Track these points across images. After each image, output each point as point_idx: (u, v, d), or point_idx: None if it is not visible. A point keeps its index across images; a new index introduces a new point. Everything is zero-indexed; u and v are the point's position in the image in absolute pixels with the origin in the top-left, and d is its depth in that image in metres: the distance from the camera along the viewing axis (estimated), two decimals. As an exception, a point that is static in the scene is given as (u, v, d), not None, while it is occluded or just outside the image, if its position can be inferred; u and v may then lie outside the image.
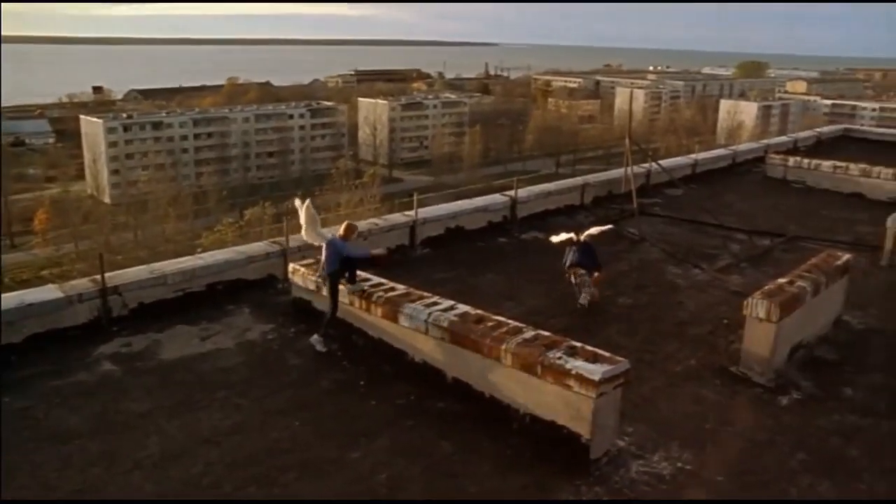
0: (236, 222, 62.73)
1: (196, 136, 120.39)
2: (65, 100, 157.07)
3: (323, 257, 9.70)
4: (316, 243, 10.02)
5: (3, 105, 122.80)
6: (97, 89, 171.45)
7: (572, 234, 11.66)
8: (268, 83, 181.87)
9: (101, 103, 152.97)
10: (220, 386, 8.79)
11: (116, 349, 9.63)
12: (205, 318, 10.64)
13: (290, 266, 10.81)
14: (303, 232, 10.13)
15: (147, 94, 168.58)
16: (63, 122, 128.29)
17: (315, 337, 9.69)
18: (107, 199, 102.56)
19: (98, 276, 10.25)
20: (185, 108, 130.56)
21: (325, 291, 9.80)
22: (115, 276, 10.52)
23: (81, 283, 10.37)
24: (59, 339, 9.66)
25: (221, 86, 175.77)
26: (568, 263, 11.49)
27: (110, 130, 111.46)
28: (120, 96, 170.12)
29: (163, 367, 9.25)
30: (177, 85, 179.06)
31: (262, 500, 6.87)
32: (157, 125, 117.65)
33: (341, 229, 9.90)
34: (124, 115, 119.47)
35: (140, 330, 10.12)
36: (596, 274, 11.54)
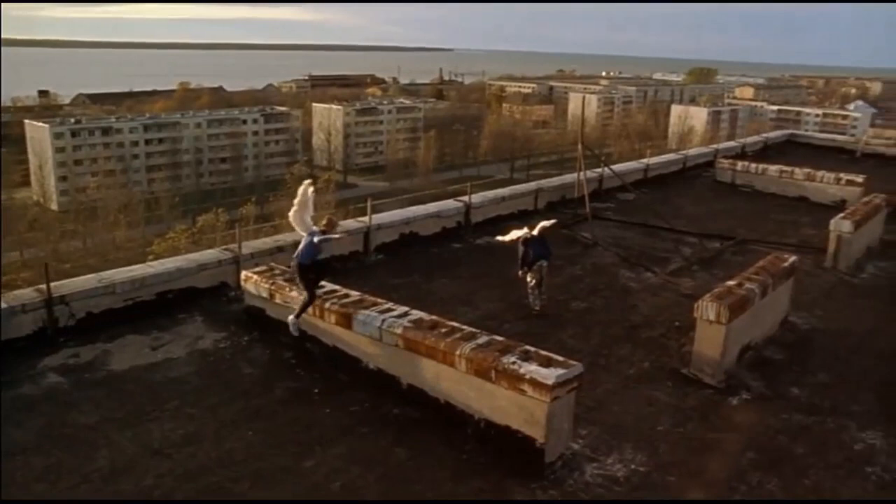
0: (189, 229, 61.85)
1: (147, 142, 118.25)
2: (8, 104, 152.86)
3: (301, 247, 9.62)
4: (298, 230, 9.88)
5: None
6: (43, 93, 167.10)
7: (524, 230, 11.49)
8: (220, 88, 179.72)
9: (47, 108, 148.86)
10: (171, 396, 8.63)
11: (63, 361, 9.39)
12: (156, 327, 10.44)
13: (243, 273, 10.67)
14: (291, 213, 10.00)
15: (96, 98, 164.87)
16: (7, 126, 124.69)
17: (291, 318, 9.54)
18: (54, 206, 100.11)
19: (43, 286, 9.97)
20: (135, 113, 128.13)
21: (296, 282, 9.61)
22: (61, 286, 10.25)
23: (25, 294, 10.07)
24: (1, 351, 9.37)
25: (173, 90, 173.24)
26: (531, 259, 11.28)
27: (57, 136, 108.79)
28: (67, 101, 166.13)
29: (112, 378, 9.04)
30: (127, 89, 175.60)
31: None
32: (106, 130, 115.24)
33: (324, 222, 9.85)
34: (72, 120, 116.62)
35: (88, 340, 9.88)
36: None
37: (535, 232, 11.46)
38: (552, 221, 12.08)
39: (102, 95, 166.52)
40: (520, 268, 11.42)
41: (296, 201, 9.95)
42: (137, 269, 11.15)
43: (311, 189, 9.93)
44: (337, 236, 10.18)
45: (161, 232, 65.90)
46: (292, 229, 10.16)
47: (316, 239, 9.50)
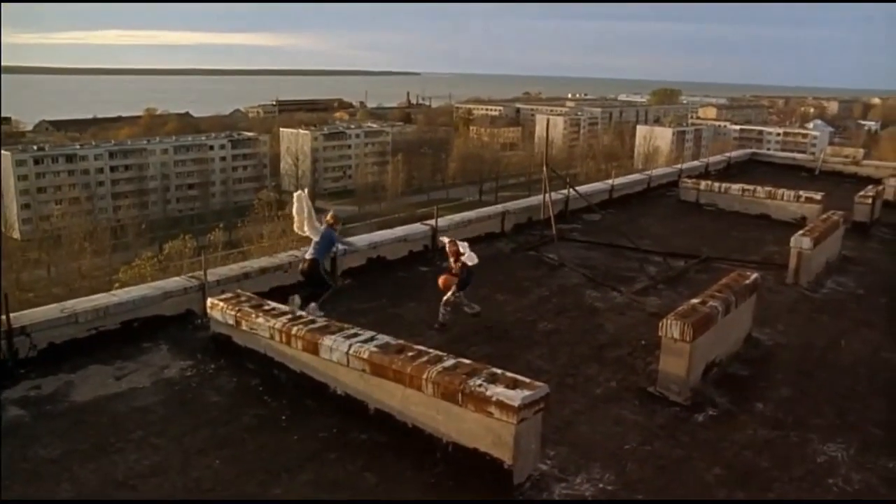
0: (156, 256, 61.22)
1: (113, 169, 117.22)
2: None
3: (313, 245, 10.81)
4: (314, 237, 10.90)
5: None
6: (5, 120, 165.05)
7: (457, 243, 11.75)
8: (187, 114, 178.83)
9: (9, 135, 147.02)
10: (136, 426, 8.50)
11: (24, 393, 9.21)
12: (120, 356, 10.28)
13: (209, 301, 10.59)
14: (301, 225, 11.06)
15: (59, 125, 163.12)
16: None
17: (312, 305, 9.69)
18: (16, 235, 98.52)
19: (2, 317, 9.80)
20: (100, 140, 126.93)
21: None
22: (21, 316, 10.07)
23: (-16, 325, 9.89)
24: (-40, 384, 9.18)
25: (139, 116, 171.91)
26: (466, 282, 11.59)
27: (20, 163, 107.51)
28: (30, 127, 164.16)
29: (75, 410, 8.88)
30: (91, 116, 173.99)
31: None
32: (70, 157, 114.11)
33: (328, 217, 11.26)
34: (35, 148, 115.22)
35: (50, 372, 9.70)
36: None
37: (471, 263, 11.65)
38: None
39: (66, 122, 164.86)
40: (459, 289, 11.57)
41: (295, 214, 11.08)
42: (101, 298, 11.00)
43: (304, 196, 11.05)
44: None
45: (128, 260, 65.17)
46: (261, 255, 10.32)
47: (337, 242, 11.13)
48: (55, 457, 7.82)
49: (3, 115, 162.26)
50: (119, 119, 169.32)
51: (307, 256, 11.09)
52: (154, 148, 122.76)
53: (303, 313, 9.57)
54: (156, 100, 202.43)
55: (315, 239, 11.09)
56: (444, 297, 11.58)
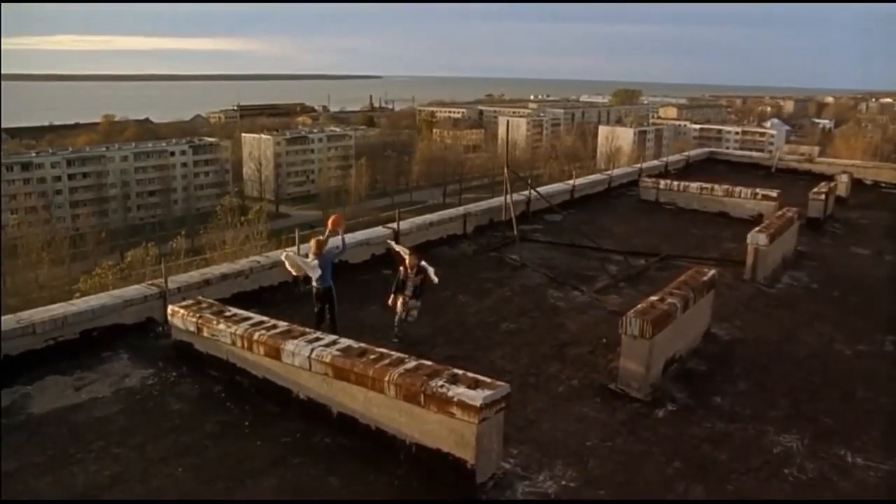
0: (117, 265, 60.20)
1: (70, 177, 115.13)
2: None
3: (320, 276, 10.94)
4: (317, 274, 11.00)
5: None
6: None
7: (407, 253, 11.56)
8: (147, 120, 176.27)
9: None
10: (96, 437, 8.40)
11: (-21, 406, 9.05)
12: (79, 366, 10.15)
13: (170, 308, 10.50)
14: (305, 272, 11.23)
15: (14, 132, 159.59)
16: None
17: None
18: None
19: (-44, 331, 9.62)
20: (57, 147, 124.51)
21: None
22: (-24, 329, 9.90)
23: (-63, 339, 9.70)
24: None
25: (97, 123, 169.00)
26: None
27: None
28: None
29: (32, 422, 8.75)
30: (47, 123, 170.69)
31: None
32: (26, 166, 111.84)
33: (329, 223, 11.52)
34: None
35: (6, 384, 9.52)
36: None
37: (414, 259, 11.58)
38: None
39: (21, 129, 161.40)
40: (417, 297, 11.32)
41: (290, 269, 11.43)
42: (59, 308, 10.83)
43: (290, 255, 11.49)
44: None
45: (88, 269, 63.99)
46: (223, 261, 10.29)
47: (334, 258, 11.18)
48: (11, 470, 7.69)
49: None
50: (76, 126, 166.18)
51: (321, 286, 11.18)
52: (113, 155, 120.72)
53: (265, 319, 9.52)
54: (114, 106, 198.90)
55: (318, 274, 11.07)
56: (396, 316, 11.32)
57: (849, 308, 13.90)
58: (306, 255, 11.51)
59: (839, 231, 20.49)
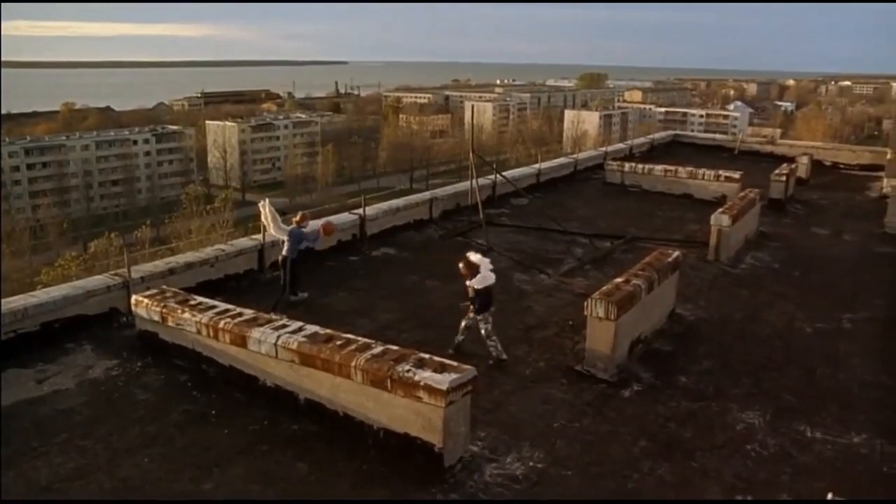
0: (80, 256, 59.21)
1: (30, 167, 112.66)
2: None
3: (285, 246, 11.86)
4: (282, 237, 12.02)
5: None
6: None
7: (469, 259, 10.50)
8: (108, 108, 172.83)
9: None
10: (60, 429, 8.28)
11: (-64, 402, 8.87)
12: (41, 359, 9.98)
13: (133, 298, 10.37)
14: (269, 230, 12.29)
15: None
16: None
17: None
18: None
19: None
20: (14, 137, 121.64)
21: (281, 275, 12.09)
22: (-68, 323, 9.69)
23: None
24: None
25: (56, 112, 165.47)
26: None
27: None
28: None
29: (-7, 417, 8.61)
30: (4, 111, 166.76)
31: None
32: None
33: (296, 218, 12.28)
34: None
35: (-35, 379, 9.37)
36: None
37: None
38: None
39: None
40: (477, 312, 10.36)
41: (264, 220, 12.30)
42: (18, 300, 10.63)
43: (266, 203, 12.41)
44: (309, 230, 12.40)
45: (50, 260, 62.90)
46: (188, 250, 10.28)
47: (306, 240, 12.00)
48: (-28, 465, 7.57)
49: None
50: (35, 114, 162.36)
51: (281, 255, 12.07)
52: (74, 144, 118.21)
53: (230, 307, 9.44)
54: (73, 94, 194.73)
55: (284, 238, 11.98)
56: (464, 322, 10.51)
57: (809, 287, 14.17)
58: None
59: (800, 212, 20.86)
